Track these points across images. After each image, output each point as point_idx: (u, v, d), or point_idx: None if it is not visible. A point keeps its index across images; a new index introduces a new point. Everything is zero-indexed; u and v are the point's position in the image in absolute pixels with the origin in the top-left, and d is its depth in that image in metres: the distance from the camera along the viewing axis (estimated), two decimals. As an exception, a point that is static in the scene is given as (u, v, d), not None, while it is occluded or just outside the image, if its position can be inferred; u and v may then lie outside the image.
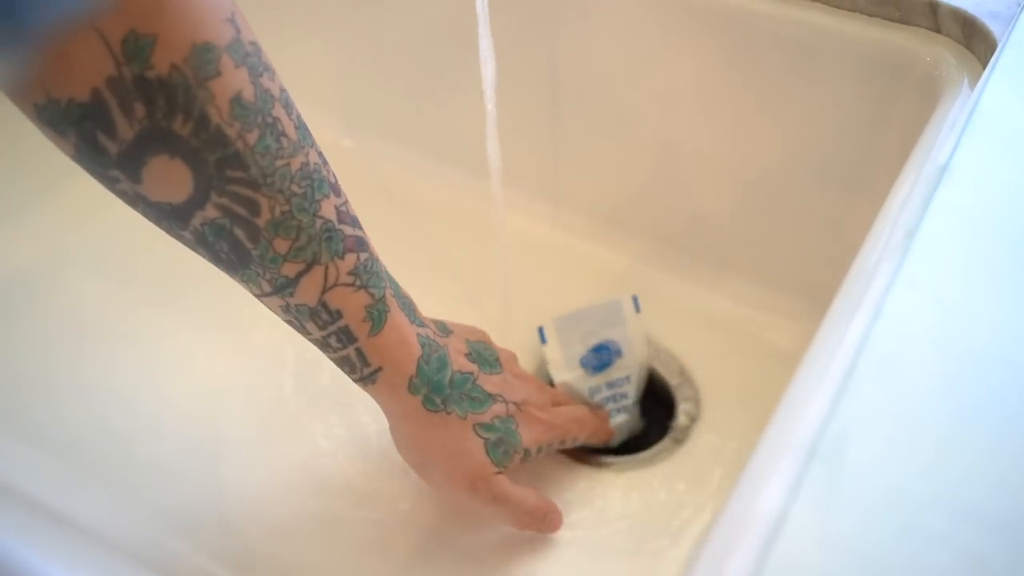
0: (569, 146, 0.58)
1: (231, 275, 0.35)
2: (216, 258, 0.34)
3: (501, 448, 0.42)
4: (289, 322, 0.37)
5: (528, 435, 0.43)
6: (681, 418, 0.51)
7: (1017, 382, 0.26)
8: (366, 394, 0.40)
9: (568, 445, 0.47)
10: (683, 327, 0.55)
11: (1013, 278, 0.29)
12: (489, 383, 0.42)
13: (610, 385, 0.50)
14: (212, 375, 0.52)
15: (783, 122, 0.49)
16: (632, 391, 0.50)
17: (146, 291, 0.57)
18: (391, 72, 0.62)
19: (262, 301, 0.36)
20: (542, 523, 0.44)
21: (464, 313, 0.48)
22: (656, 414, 0.52)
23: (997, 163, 0.33)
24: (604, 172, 0.58)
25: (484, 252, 0.54)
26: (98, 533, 0.42)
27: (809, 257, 0.52)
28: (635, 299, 0.52)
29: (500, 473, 0.42)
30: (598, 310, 0.52)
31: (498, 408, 0.42)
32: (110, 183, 0.31)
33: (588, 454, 0.49)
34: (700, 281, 0.56)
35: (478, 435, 0.41)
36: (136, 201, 0.31)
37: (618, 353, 0.51)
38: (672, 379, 0.52)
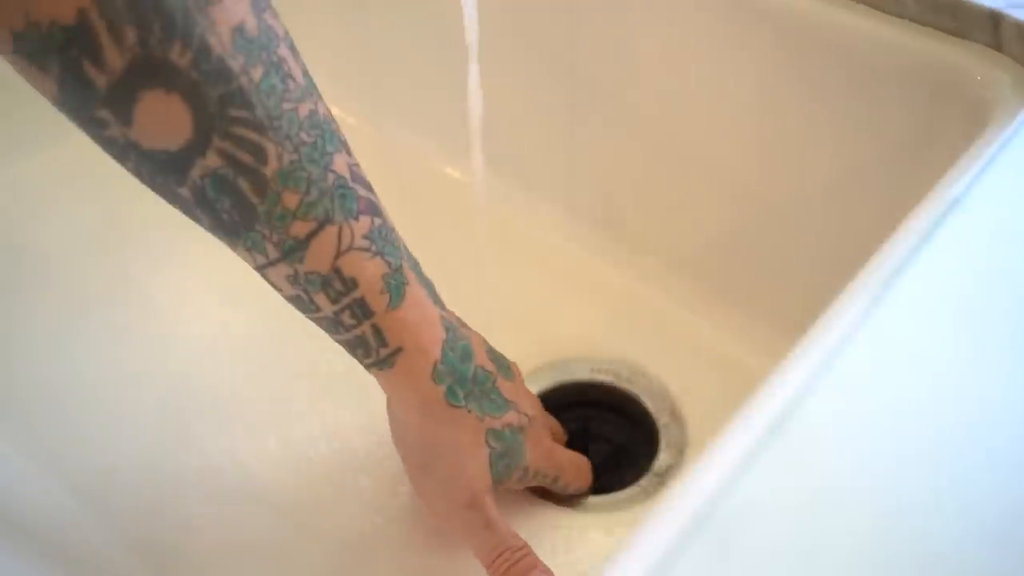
0: (586, 152, 0.53)
1: (232, 244, 0.31)
2: (217, 221, 0.30)
3: (504, 462, 0.37)
4: (295, 298, 0.32)
5: (532, 455, 0.39)
6: (660, 462, 0.45)
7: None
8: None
9: (556, 487, 0.42)
10: (682, 362, 0.49)
11: (993, 347, 0.23)
12: (506, 389, 0.38)
13: None
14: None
15: (813, 138, 0.43)
16: None
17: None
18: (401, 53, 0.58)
19: (265, 273, 0.32)
20: None
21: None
22: (639, 449, 0.46)
23: (1020, 201, 0.27)
24: (619, 182, 0.53)
25: (470, 251, 0.50)
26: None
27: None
28: None
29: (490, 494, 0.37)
30: None
31: (512, 417, 0.37)
32: (97, 128, 0.27)
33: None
34: (707, 315, 0.50)
35: (487, 443, 0.36)
36: (127, 151, 0.28)
37: None
38: (661, 417, 0.47)
